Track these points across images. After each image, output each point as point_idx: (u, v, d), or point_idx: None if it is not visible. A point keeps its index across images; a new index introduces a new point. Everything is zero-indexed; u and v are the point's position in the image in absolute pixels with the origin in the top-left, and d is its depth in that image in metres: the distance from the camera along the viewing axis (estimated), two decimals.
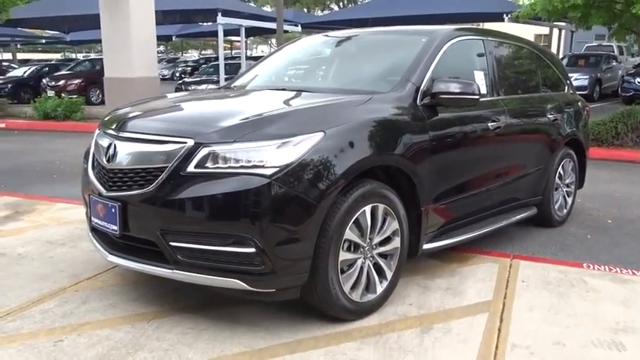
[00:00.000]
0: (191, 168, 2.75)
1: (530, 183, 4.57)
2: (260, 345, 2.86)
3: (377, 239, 3.15)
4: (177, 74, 29.96)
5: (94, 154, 3.33)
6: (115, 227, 2.96)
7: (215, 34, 35.36)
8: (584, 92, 14.62)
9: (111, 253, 3.09)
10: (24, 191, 6.26)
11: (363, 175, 3.01)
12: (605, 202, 6.08)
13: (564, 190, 5.15)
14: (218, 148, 2.73)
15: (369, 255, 3.12)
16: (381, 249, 3.19)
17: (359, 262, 3.07)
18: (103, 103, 16.77)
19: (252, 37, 37.42)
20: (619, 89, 16.83)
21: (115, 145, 3.02)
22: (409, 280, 3.64)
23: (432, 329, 3.06)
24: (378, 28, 4.59)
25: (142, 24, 13.26)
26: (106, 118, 3.48)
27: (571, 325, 3.14)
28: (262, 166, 2.68)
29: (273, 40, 52.33)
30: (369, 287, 3.15)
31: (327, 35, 4.57)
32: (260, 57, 28.30)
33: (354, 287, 3.05)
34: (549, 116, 4.73)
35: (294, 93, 3.55)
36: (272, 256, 2.68)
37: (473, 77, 3.95)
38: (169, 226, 2.81)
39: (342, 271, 2.97)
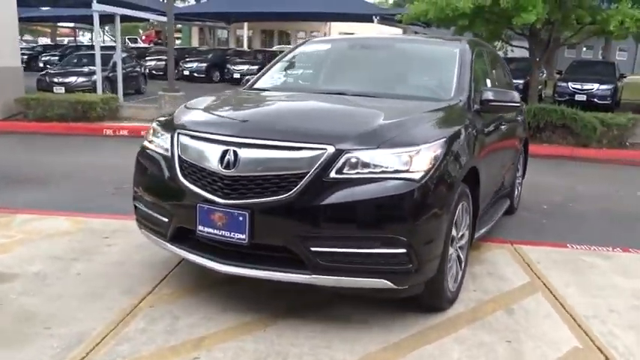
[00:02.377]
0: (332, 174, 2.81)
1: (510, 175, 5.23)
2: (392, 339, 3.02)
3: (459, 233, 3.47)
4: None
5: (181, 158, 3.14)
6: (242, 236, 2.88)
7: (52, 19, 32.14)
8: None
9: (225, 264, 2.98)
10: None
11: None
12: (524, 190, 7.03)
13: (517, 181, 5.92)
14: (360, 154, 2.82)
15: (455, 248, 3.42)
16: (461, 242, 3.51)
17: (453, 255, 3.36)
18: None
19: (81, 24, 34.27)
20: None
21: (234, 152, 2.91)
22: None
23: (513, 309, 3.47)
24: (400, 36, 4.84)
25: (2, 5, 11.78)
26: (188, 119, 3.31)
27: (605, 295, 3.77)
28: (407, 171, 2.83)
29: (106, 28, 48.80)
30: (455, 277, 3.45)
31: (352, 40, 4.71)
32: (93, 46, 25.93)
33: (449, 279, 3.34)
34: (519, 117, 5.42)
35: (367, 98, 3.69)
36: (419, 255, 2.86)
37: (486, 83, 4.43)
38: (311, 232, 2.83)
39: None
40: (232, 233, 2.90)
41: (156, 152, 3.38)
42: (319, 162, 2.81)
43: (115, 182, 6.76)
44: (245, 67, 20.92)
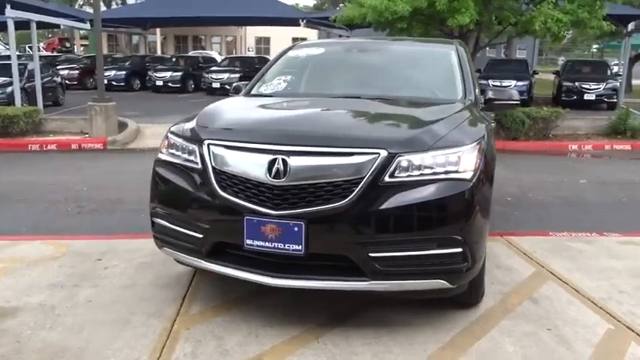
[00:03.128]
0: (386, 178, 2.80)
1: None
2: (445, 338, 3.06)
3: None
4: None
5: (216, 170, 2.99)
6: (298, 247, 2.79)
7: None
8: None
9: (278, 277, 2.87)
10: None
11: None
12: None
13: None
14: (412, 157, 2.83)
15: None
16: None
17: None
18: None
19: None
20: None
21: (283, 160, 2.82)
22: None
23: (536, 299, 3.61)
24: (392, 39, 4.87)
25: None
26: (217, 129, 3.18)
27: (608, 278, 4.01)
28: (456, 171, 2.87)
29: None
30: None
31: (345, 44, 4.69)
32: None
33: None
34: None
35: (385, 102, 3.70)
36: (473, 253, 2.91)
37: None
38: (370, 238, 2.80)
39: None
40: (287, 245, 2.81)
41: (180, 165, 3.20)
42: (373, 167, 2.79)
43: (72, 200, 6.34)
44: (168, 74, 20.20)
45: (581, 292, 3.74)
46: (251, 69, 20.55)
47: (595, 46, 43.72)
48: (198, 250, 3.09)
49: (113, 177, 7.91)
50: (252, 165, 2.91)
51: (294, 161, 2.83)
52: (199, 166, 3.08)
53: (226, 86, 19.21)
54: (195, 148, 3.13)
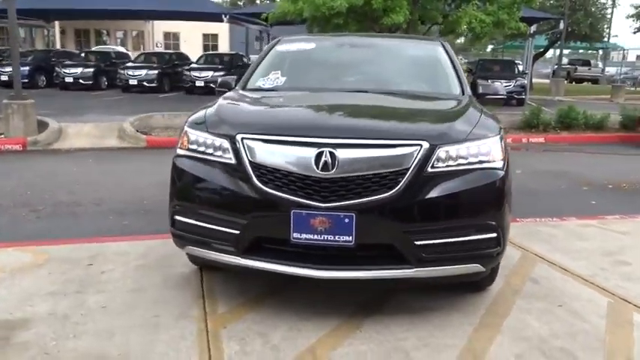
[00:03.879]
0: (428, 168, 2.91)
1: None
2: (474, 320, 3.22)
3: None
4: None
5: (253, 164, 2.94)
6: (348, 238, 2.83)
7: None
8: None
9: (325, 270, 2.88)
10: None
11: None
12: None
13: None
14: (450, 148, 2.96)
15: None
16: None
17: None
18: None
19: None
20: None
21: (330, 153, 2.83)
22: None
23: (536, 279, 3.89)
24: (381, 36, 4.93)
25: None
26: (251, 123, 3.16)
27: (585, 257, 4.39)
28: (489, 161, 3.04)
29: None
30: None
31: (335, 39, 4.71)
32: None
33: None
34: None
35: (397, 95, 3.80)
36: (504, 238, 3.09)
37: None
38: (416, 227, 2.89)
39: None
40: (337, 236, 2.84)
41: (207, 160, 3.11)
42: (417, 158, 2.88)
43: (21, 205, 5.88)
44: (79, 70, 19.02)
45: (570, 271, 4.07)
46: (169, 65, 19.98)
47: (490, 46, 46.59)
48: (233, 247, 3.02)
49: (52, 179, 7.40)
50: (297, 158, 2.90)
51: (341, 153, 2.85)
52: (233, 161, 3.01)
53: (144, 83, 18.57)
54: (225, 142, 3.06)
